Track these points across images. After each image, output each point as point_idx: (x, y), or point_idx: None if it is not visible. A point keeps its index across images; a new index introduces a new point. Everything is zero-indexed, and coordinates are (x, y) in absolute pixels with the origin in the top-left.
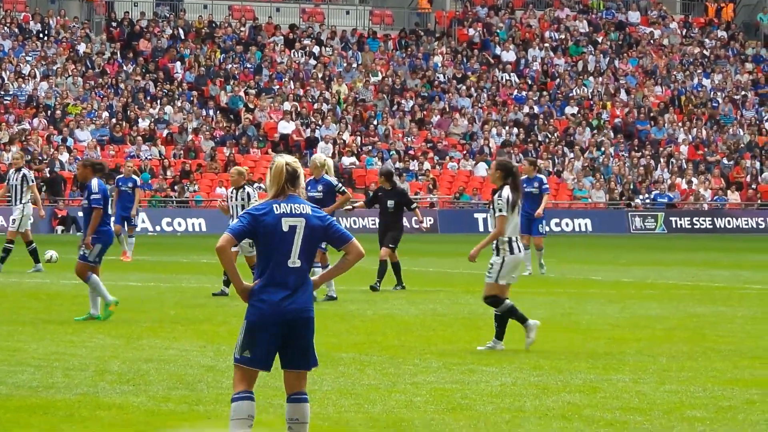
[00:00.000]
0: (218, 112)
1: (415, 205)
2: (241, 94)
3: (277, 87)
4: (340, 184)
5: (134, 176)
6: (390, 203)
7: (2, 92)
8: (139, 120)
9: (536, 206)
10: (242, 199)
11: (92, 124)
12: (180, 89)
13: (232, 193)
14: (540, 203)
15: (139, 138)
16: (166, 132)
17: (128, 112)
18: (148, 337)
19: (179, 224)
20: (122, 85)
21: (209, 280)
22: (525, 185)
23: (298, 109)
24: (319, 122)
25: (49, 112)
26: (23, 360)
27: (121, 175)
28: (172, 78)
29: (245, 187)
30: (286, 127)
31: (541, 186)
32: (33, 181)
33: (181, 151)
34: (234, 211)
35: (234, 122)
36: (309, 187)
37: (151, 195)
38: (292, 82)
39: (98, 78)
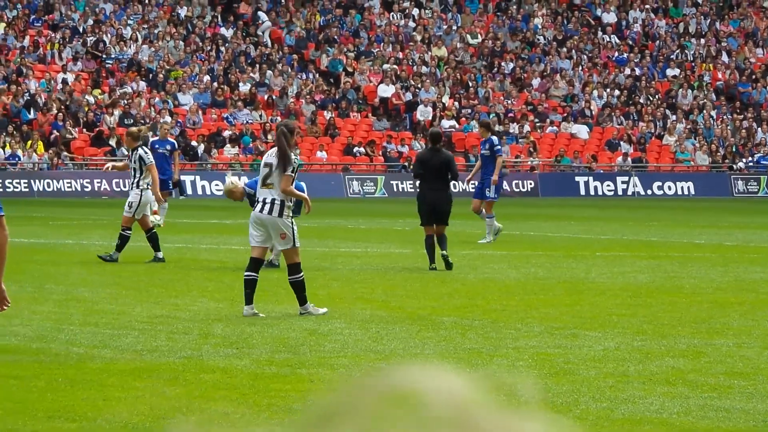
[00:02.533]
0: (318, 75)
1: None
2: (341, 57)
3: (377, 50)
4: None
5: (171, 138)
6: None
7: (104, 56)
8: (240, 84)
9: (489, 169)
10: (134, 161)
11: (194, 88)
12: (280, 53)
13: (128, 152)
14: (493, 166)
15: (240, 102)
16: (266, 96)
17: (229, 75)
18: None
19: None
20: (223, 49)
21: (310, 243)
22: (481, 148)
23: (398, 72)
24: (419, 85)
25: (150, 75)
26: (127, 323)
27: (157, 138)
28: (272, 41)
29: (138, 149)
30: (386, 91)
31: (492, 148)
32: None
33: (281, 115)
34: (131, 172)
35: (334, 86)
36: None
37: (252, 159)
38: (391, 45)
39: (199, 42)
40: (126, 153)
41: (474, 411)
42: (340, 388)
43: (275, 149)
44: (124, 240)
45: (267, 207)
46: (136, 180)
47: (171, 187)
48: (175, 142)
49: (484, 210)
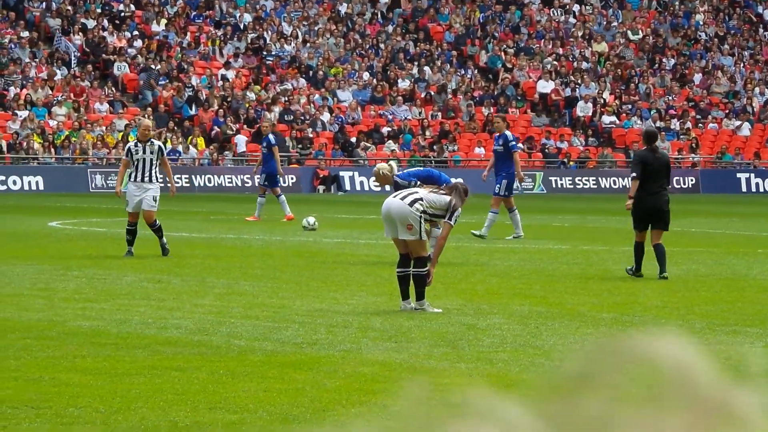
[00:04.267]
0: (477, 71)
1: (633, 175)
2: (500, 53)
3: (536, 46)
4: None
5: (270, 135)
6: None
7: (264, 52)
8: (399, 80)
9: (503, 165)
10: (152, 153)
11: (353, 85)
12: (440, 49)
13: (137, 146)
14: (507, 161)
15: (399, 98)
16: (425, 92)
17: (388, 72)
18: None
19: None
20: (382, 46)
21: (468, 239)
22: (494, 143)
23: (558, 68)
24: (579, 81)
25: (310, 72)
26: (287, 317)
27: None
28: (431, 38)
29: (152, 140)
30: (545, 87)
31: (507, 144)
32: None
33: (440, 112)
34: (141, 164)
35: (493, 82)
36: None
37: (410, 155)
38: (551, 41)
39: (359, 39)
40: (134, 148)
41: (699, 378)
42: (583, 356)
43: (437, 190)
44: (160, 231)
45: (403, 194)
46: (152, 173)
47: (265, 182)
48: (271, 138)
49: (505, 205)
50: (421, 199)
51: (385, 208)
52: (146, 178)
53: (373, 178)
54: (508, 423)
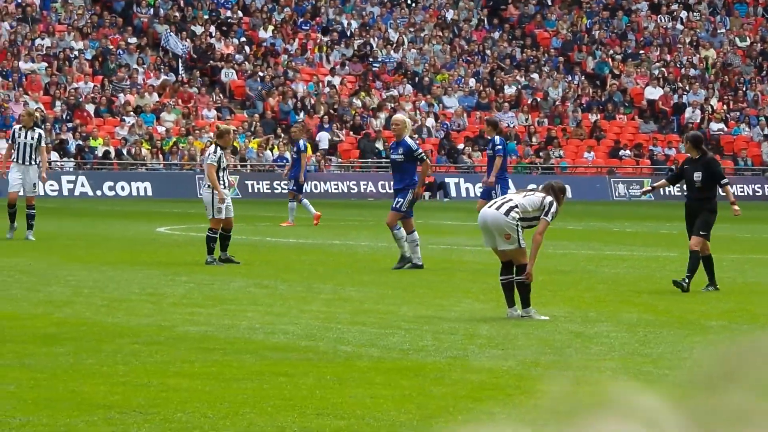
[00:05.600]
0: (584, 77)
1: (726, 180)
2: (608, 59)
3: (644, 52)
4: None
5: (300, 141)
6: (697, 176)
7: (371, 59)
8: (505, 86)
9: (498, 169)
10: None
11: (459, 91)
12: (546, 55)
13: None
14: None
15: (506, 104)
16: (531, 98)
17: (494, 78)
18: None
19: None
20: (489, 52)
21: (575, 246)
22: (487, 147)
23: (665, 75)
24: (687, 88)
25: (416, 78)
26: (393, 323)
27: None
28: (538, 44)
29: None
30: (653, 93)
31: (494, 148)
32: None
33: (546, 118)
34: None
35: (600, 88)
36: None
37: (516, 161)
38: (659, 47)
39: (465, 45)
40: (224, 155)
41: None
42: (724, 354)
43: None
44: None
45: (497, 203)
46: (227, 179)
47: (294, 187)
48: (301, 144)
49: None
50: (517, 206)
51: (481, 219)
52: (227, 186)
53: (394, 125)
54: (651, 418)
